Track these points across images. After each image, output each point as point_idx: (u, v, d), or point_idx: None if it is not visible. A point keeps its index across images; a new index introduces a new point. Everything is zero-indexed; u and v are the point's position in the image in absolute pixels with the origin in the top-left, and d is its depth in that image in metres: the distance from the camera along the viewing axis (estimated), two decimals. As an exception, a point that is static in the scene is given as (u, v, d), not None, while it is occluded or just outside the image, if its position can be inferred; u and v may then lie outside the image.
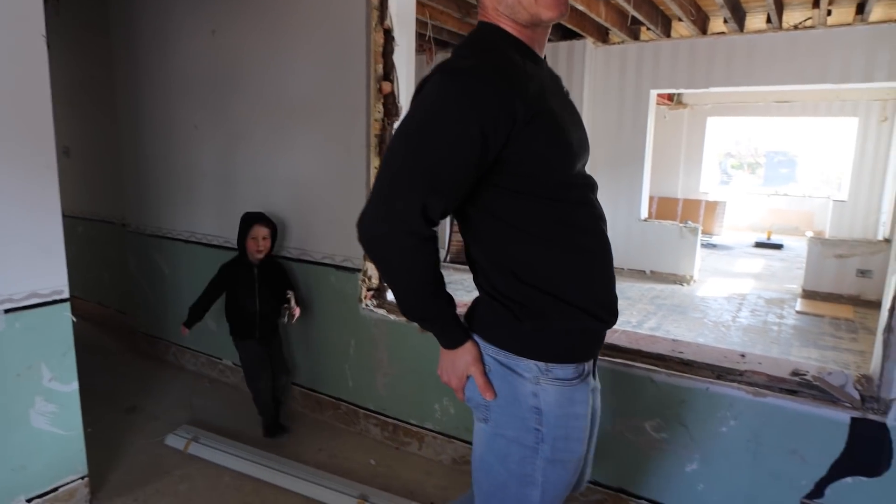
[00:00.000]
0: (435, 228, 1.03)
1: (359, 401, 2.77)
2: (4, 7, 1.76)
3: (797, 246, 9.58)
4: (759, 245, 10.08)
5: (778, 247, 9.93)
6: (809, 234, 7.19)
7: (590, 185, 1.15)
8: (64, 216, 4.17)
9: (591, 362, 1.19)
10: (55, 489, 2.02)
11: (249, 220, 2.66)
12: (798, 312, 5.75)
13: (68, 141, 4.23)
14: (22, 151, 1.84)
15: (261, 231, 2.64)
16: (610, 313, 1.14)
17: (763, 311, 5.82)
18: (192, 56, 3.09)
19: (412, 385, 2.56)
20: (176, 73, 3.19)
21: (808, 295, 6.24)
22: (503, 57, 1.03)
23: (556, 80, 1.17)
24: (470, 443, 2.15)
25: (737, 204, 12.06)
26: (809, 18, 5.50)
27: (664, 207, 10.39)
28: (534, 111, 0.99)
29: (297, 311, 2.68)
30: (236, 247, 2.71)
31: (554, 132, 1.04)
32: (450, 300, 1.10)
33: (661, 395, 1.98)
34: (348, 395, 2.81)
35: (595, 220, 1.12)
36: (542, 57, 1.14)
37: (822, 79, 5.71)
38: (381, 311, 2.60)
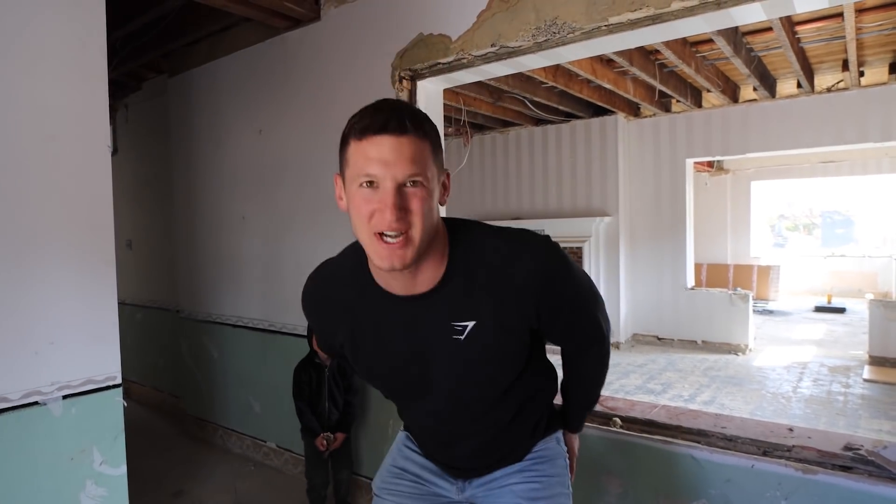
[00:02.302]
0: None
1: (398, 483, 2.73)
2: (75, 123, 1.99)
3: (861, 309, 9.08)
4: (819, 309, 9.61)
5: (840, 311, 9.44)
6: (870, 296, 6.84)
7: (410, 398, 1.24)
8: (124, 304, 4.40)
9: None
10: (101, 575, 2.06)
11: None
12: (865, 380, 5.38)
13: (131, 234, 4.57)
14: (85, 249, 2.02)
15: None
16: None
17: (827, 381, 5.49)
18: (241, 153, 3.36)
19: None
20: (226, 169, 3.46)
21: (876, 361, 5.86)
22: None
23: (425, 319, 1.09)
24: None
25: (794, 267, 11.63)
26: (841, 81, 5.51)
27: (714, 274, 10.12)
28: None
29: (338, 443, 2.63)
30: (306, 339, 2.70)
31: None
32: None
33: (705, 473, 1.89)
34: (388, 477, 2.78)
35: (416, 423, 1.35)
36: (409, 295, 1.07)
37: (862, 138, 5.64)
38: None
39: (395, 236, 0.93)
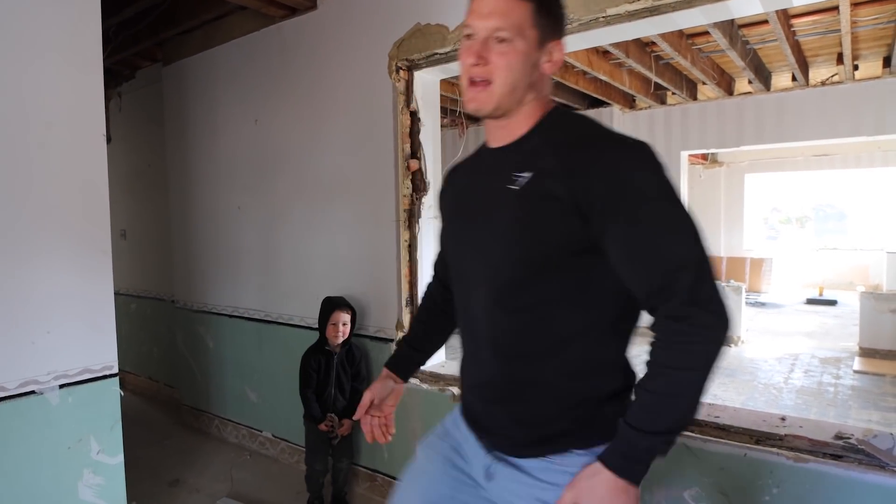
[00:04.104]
0: None
1: (395, 473, 2.76)
2: (70, 110, 1.98)
3: (852, 301, 9.16)
4: (810, 302, 9.69)
5: (832, 303, 9.52)
6: (861, 288, 6.90)
7: (457, 276, 1.20)
8: (119, 294, 4.39)
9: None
10: (99, 563, 2.07)
11: (331, 306, 2.64)
12: (856, 372, 5.45)
13: (126, 224, 4.55)
14: (80, 239, 2.01)
15: (341, 317, 2.62)
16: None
17: (818, 372, 5.55)
18: (237, 143, 3.34)
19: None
20: (222, 159, 3.44)
21: (867, 353, 5.93)
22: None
23: (499, 169, 1.09)
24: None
25: (786, 260, 11.71)
26: (836, 74, 5.53)
27: (707, 266, 10.16)
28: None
29: (346, 429, 2.65)
30: (318, 329, 2.69)
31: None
32: None
33: (698, 462, 1.92)
34: (384, 467, 2.80)
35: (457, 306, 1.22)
36: (497, 146, 1.12)
37: (855, 132, 5.67)
38: (414, 381, 2.63)
39: (478, 82, 1.03)
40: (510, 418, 1.09)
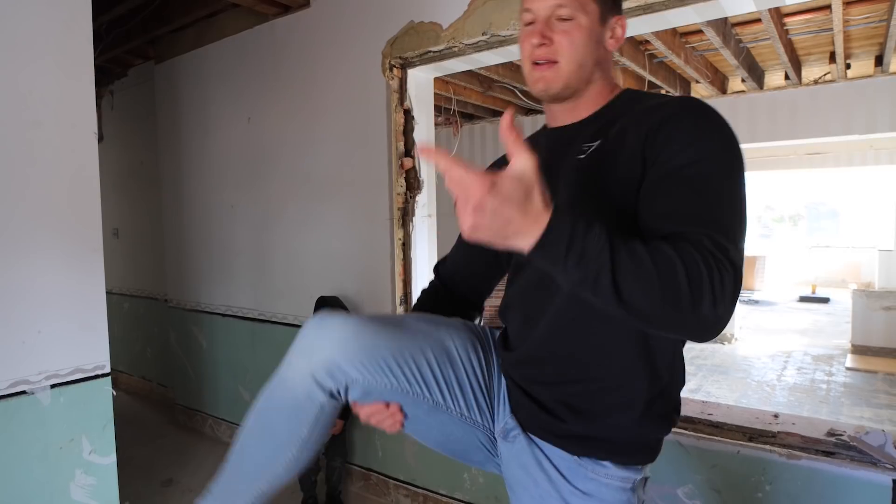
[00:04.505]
0: None
1: (389, 471, 2.76)
2: (61, 108, 1.97)
3: (844, 299, 9.22)
4: (803, 300, 9.75)
5: (824, 300, 9.59)
6: (853, 286, 6.94)
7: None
8: (111, 293, 4.35)
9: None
10: (91, 564, 2.06)
11: (324, 306, 2.64)
12: (848, 369, 5.49)
13: (118, 223, 4.52)
14: (71, 237, 2.00)
15: None
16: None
17: (810, 369, 5.58)
18: (230, 142, 3.33)
19: (441, 454, 2.55)
20: (215, 157, 3.43)
21: (859, 350, 5.97)
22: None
23: (565, 146, 1.03)
24: (497, 512, 2.11)
25: (779, 258, 11.77)
26: (828, 73, 5.56)
27: (701, 264, 10.20)
28: None
29: (338, 428, 2.64)
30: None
31: None
32: None
33: (691, 459, 1.93)
34: (378, 466, 2.80)
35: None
36: (564, 125, 1.07)
37: (847, 130, 5.69)
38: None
39: (543, 63, 1.00)
40: (553, 377, 0.99)
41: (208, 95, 3.43)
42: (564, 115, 1.06)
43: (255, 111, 3.17)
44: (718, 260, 0.72)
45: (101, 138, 4.59)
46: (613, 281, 0.70)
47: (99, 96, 4.45)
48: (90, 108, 2.06)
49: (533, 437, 1.01)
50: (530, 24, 1.01)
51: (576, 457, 0.96)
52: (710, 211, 0.79)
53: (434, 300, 1.30)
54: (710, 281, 0.70)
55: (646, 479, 1.01)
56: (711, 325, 0.72)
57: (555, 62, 0.99)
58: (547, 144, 1.07)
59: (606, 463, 0.95)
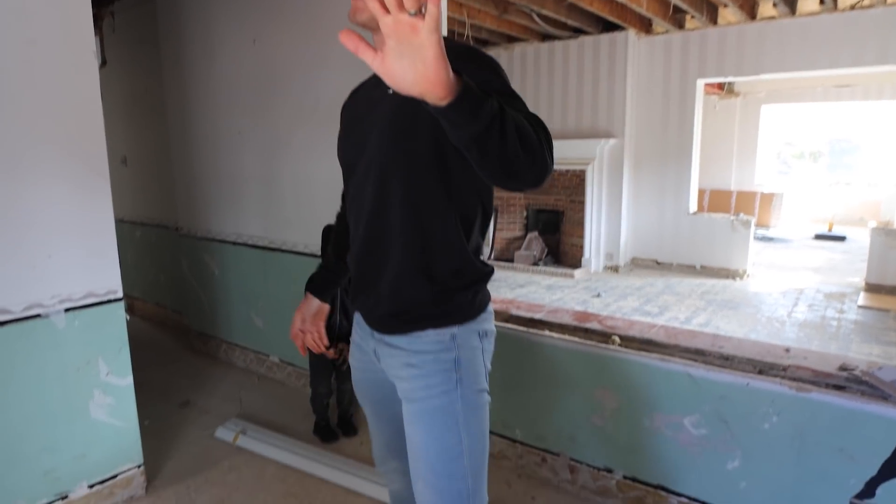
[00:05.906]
0: None
1: (399, 396, 2.81)
2: (58, 28, 1.88)
3: (861, 238, 9.09)
4: (819, 237, 9.63)
5: (840, 238, 9.46)
6: (873, 224, 6.82)
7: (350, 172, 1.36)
8: (123, 221, 4.37)
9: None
10: (114, 476, 2.15)
11: (329, 235, 2.66)
12: (860, 307, 5.46)
13: (126, 150, 4.47)
14: (76, 163, 1.96)
15: None
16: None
17: (822, 306, 5.56)
18: (236, 65, 3.21)
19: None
20: (221, 81, 3.32)
21: (872, 289, 5.92)
22: None
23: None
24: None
25: (797, 195, 11.55)
26: (867, -3, 5.23)
27: (717, 200, 10.05)
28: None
29: (348, 351, 2.67)
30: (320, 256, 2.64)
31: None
32: None
33: (699, 389, 1.93)
34: (389, 391, 2.86)
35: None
36: None
37: (882, 60, 5.41)
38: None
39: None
40: (385, 306, 1.27)
41: (212, 15, 3.28)
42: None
43: (260, 32, 3.04)
44: (543, 127, 0.98)
45: (103, 62, 4.46)
46: (502, 130, 0.86)
47: (99, 17, 4.29)
48: (87, 26, 1.97)
49: (383, 336, 1.29)
50: None
51: (408, 335, 1.24)
52: (521, 107, 1.03)
53: (338, 239, 1.65)
54: (546, 137, 0.96)
55: (485, 331, 1.28)
56: (549, 169, 0.96)
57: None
58: (375, 77, 1.22)
59: (428, 329, 1.22)
